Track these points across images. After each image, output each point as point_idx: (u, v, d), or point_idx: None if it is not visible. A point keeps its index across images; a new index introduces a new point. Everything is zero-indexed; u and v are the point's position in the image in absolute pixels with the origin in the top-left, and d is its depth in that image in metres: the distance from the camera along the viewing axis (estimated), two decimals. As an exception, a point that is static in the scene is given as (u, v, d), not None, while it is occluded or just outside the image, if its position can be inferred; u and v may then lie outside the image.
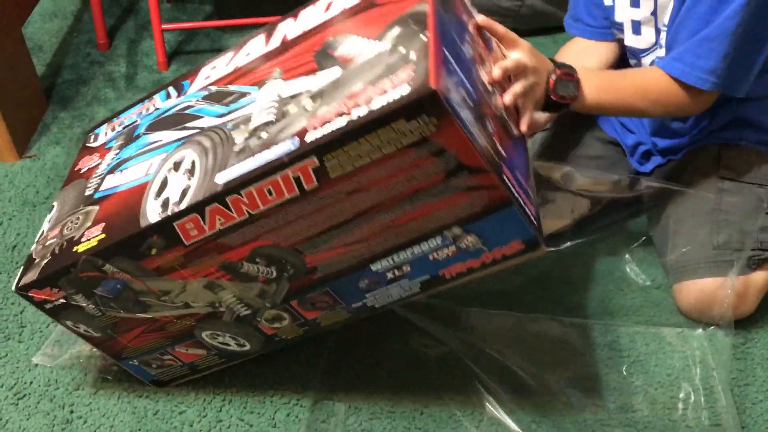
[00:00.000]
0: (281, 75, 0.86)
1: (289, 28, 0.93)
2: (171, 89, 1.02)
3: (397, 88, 0.71)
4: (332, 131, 0.73)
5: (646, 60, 1.12)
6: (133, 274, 0.87)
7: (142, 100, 1.06)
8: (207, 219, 0.81)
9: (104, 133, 1.06)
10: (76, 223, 0.92)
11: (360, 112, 0.72)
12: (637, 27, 1.10)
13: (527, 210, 0.80)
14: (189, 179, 0.82)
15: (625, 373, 1.05)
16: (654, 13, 1.06)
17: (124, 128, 1.03)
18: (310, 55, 0.86)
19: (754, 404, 1.02)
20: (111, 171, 0.96)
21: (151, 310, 0.92)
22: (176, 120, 0.94)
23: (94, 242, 0.86)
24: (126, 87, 1.69)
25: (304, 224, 0.81)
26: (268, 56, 0.92)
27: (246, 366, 1.07)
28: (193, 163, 0.84)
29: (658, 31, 1.08)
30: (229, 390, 1.07)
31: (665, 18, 1.05)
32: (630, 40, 1.12)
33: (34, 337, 1.12)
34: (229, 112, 0.87)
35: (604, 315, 1.13)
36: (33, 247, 0.95)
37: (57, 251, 0.90)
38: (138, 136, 0.98)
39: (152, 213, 0.83)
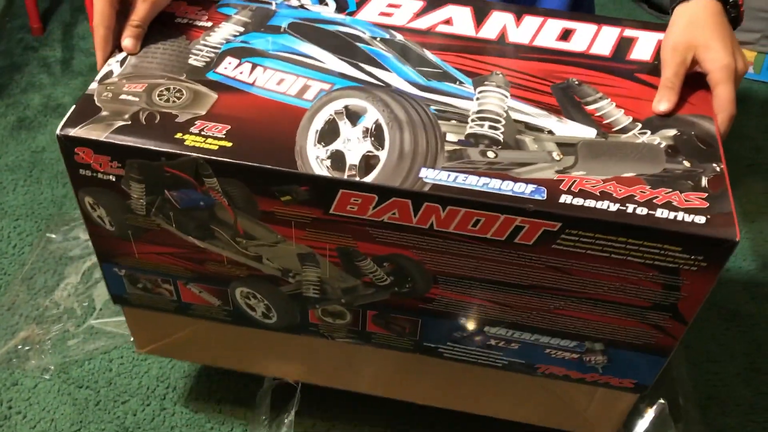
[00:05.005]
0: (506, 86, 0.73)
1: (510, 24, 0.80)
2: (326, -7, 0.83)
3: (691, 215, 0.63)
4: (596, 209, 0.63)
5: None
6: (234, 203, 0.68)
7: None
8: (382, 206, 0.65)
9: (211, -15, 0.83)
10: (178, 97, 0.70)
11: (639, 210, 0.63)
12: None
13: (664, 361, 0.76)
14: (376, 149, 0.66)
15: None
16: None
17: (251, 1, 0.81)
18: (545, 82, 0.74)
19: None
20: (235, 54, 0.74)
21: (210, 241, 0.73)
22: (343, 48, 0.76)
23: (212, 145, 0.66)
24: (62, 72, 1.59)
25: (473, 265, 0.69)
26: (483, 46, 0.77)
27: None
28: (379, 127, 0.68)
29: None
30: (172, 377, 1.04)
31: None
32: None
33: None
34: (432, 91, 0.72)
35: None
36: (94, 86, 0.71)
37: (144, 122, 0.68)
38: (276, 30, 0.77)
39: (316, 161, 0.65)
